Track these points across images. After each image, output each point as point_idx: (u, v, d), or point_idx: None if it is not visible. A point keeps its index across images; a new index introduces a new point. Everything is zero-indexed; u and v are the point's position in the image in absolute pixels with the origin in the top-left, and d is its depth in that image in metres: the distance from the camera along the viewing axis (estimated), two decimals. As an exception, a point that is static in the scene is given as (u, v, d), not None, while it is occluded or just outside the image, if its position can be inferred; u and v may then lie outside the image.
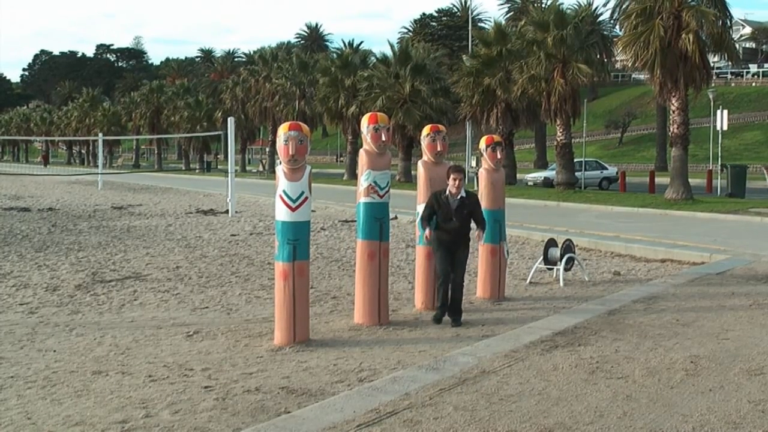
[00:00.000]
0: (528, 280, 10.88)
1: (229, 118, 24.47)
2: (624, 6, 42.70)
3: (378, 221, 8.15)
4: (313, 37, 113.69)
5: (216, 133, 52.85)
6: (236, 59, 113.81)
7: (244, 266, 12.27)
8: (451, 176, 8.28)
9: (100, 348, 7.25)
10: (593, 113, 62.13)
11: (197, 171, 63.30)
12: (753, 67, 74.72)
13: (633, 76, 77.71)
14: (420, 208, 8.64)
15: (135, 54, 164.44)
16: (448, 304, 8.24)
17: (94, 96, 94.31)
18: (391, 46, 40.91)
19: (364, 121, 8.35)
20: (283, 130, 7.27)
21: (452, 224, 8.19)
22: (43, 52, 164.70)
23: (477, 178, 10.50)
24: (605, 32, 62.07)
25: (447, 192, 8.30)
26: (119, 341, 7.49)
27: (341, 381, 6.14)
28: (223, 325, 8.15)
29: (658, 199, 25.51)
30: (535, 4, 63.56)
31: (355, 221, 8.96)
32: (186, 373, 6.38)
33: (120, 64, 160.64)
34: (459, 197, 8.24)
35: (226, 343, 7.39)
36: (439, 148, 8.78)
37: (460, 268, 8.33)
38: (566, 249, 10.81)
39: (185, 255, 13.53)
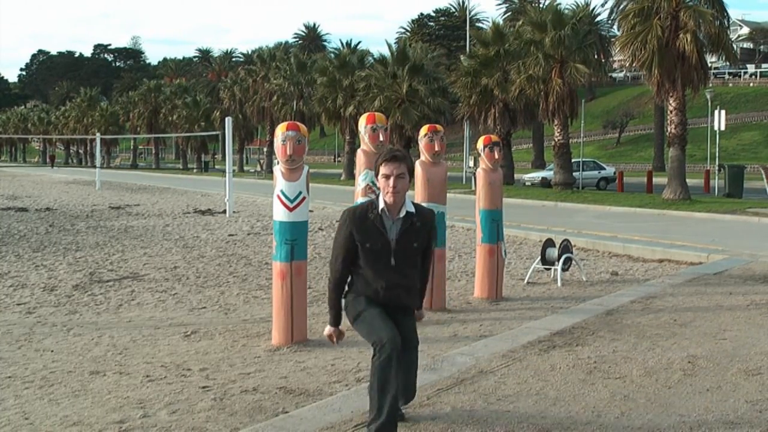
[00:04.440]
0: (526, 280, 10.88)
1: (226, 118, 24.45)
2: (621, 6, 42.76)
3: (376, 221, 8.14)
4: (311, 38, 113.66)
5: (214, 132, 52.88)
6: (234, 59, 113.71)
7: (241, 266, 12.26)
8: (382, 169, 4.36)
9: (97, 348, 7.24)
10: (591, 113, 62.12)
11: (195, 171, 63.29)
12: (750, 68, 74.84)
13: (630, 75, 77.74)
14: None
15: (132, 54, 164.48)
16: (399, 408, 4.60)
17: (91, 96, 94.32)
18: (389, 46, 40.91)
19: (362, 121, 8.35)
20: (280, 130, 7.26)
21: (388, 272, 4.43)
22: (40, 51, 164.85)
23: (475, 178, 10.51)
24: (603, 32, 62.14)
25: (380, 207, 4.41)
26: (117, 341, 7.48)
27: (339, 381, 6.13)
28: (220, 325, 8.14)
29: (655, 199, 25.53)
30: (533, 4, 63.57)
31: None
32: (184, 373, 6.37)
33: (117, 64, 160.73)
34: (405, 213, 4.44)
35: (224, 344, 7.38)
36: (436, 148, 8.77)
37: (411, 340, 4.60)
38: (564, 249, 10.81)
39: (183, 255, 13.52)
